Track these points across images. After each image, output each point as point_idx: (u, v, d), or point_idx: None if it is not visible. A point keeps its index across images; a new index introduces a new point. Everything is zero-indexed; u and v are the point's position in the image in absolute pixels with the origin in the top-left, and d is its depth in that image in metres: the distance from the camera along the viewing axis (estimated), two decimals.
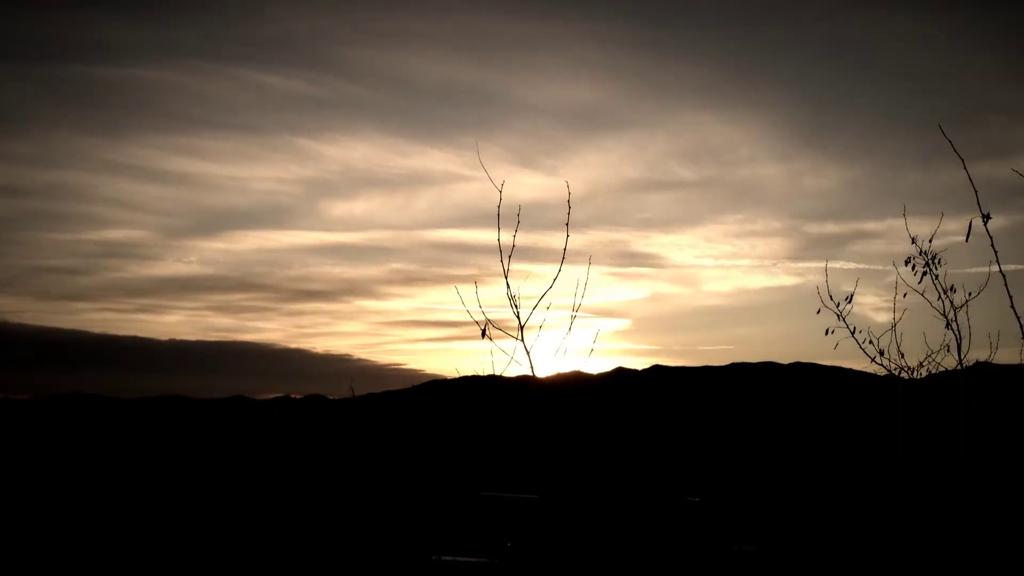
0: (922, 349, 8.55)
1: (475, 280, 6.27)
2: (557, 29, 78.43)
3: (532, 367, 6.37)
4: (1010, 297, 5.34)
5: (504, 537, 11.99)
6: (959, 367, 7.24)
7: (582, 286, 6.38)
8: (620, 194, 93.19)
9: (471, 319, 6.27)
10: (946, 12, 75.05)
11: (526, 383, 6.62)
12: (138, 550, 11.35)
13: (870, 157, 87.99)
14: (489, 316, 6.29)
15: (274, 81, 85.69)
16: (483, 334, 6.29)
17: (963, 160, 5.56)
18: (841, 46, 79.79)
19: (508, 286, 6.27)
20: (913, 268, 7.49)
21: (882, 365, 8.25)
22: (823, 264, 8.12)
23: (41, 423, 26.75)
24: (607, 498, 15.60)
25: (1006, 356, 7.69)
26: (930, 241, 7.50)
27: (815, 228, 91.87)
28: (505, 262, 6.27)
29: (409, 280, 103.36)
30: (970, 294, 7.27)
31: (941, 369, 8.73)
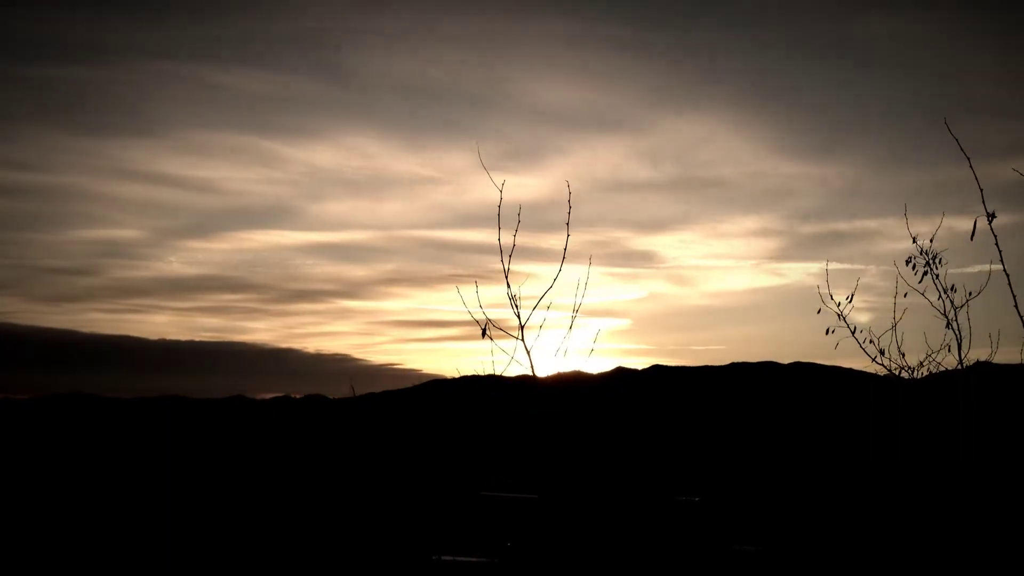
0: (922, 349, 8.55)
1: (475, 280, 6.28)
2: (556, 28, 78.41)
3: (532, 367, 6.38)
4: (1013, 296, 5.34)
5: (504, 537, 11.98)
6: (959, 367, 7.24)
7: (582, 286, 6.39)
8: (621, 194, 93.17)
9: (472, 319, 6.27)
10: (946, 12, 75.07)
11: (526, 383, 6.62)
12: (137, 550, 11.35)
13: (870, 156, 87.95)
14: (489, 316, 6.30)
15: (272, 81, 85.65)
16: (483, 334, 6.30)
17: (969, 158, 5.56)
18: (841, 46, 79.78)
19: (508, 286, 6.27)
20: (914, 268, 7.49)
21: (882, 365, 8.26)
22: (823, 264, 8.13)
23: (40, 423, 26.74)
24: (607, 498, 15.60)
25: (1006, 356, 7.70)
26: (931, 240, 7.50)
27: (815, 228, 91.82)
28: (505, 262, 6.28)
29: (408, 280, 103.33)
30: (970, 294, 7.28)
31: (941, 369, 8.73)
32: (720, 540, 11.88)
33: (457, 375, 9.53)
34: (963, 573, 9.59)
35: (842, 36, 74.64)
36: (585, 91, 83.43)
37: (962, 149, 5.62)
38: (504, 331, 6.30)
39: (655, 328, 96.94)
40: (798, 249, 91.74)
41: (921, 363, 8.67)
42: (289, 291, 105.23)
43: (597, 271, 6.57)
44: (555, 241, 6.41)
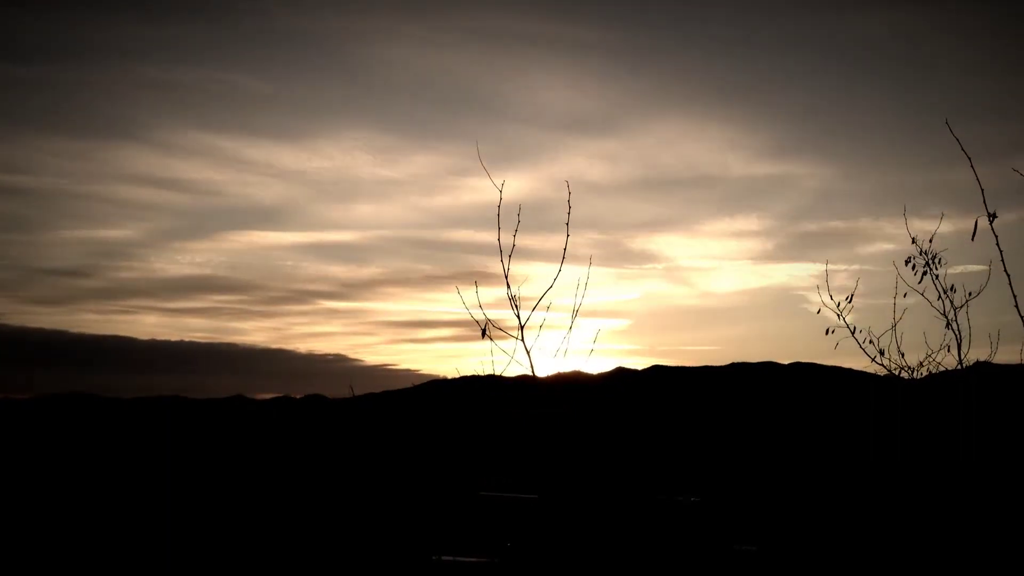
0: (922, 349, 8.54)
1: (475, 280, 6.27)
2: (556, 30, 78.44)
3: (532, 367, 6.37)
4: (1014, 296, 5.34)
5: (504, 537, 11.97)
6: (959, 367, 7.24)
7: (582, 286, 6.38)
8: (621, 194, 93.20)
9: (471, 319, 6.27)
10: (946, 10, 75.08)
11: (526, 383, 6.62)
12: (138, 550, 11.34)
13: (870, 156, 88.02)
14: (489, 316, 6.30)
15: (269, 81, 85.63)
16: (483, 334, 6.29)
17: (970, 158, 5.56)
18: (841, 46, 79.79)
19: (508, 286, 6.27)
20: (913, 268, 7.49)
21: (882, 365, 8.25)
22: (823, 264, 8.13)
23: (40, 423, 26.72)
24: (607, 498, 15.59)
25: (1006, 356, 7.70)
26: (930, 240, 7.50)
27: (816, 228, 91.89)
28: (505, 262, 6.27)
29: (408, 280, 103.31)
30: (970, 294, 7.27)
31: (941, 369, 8.72)
32: (720, 540, 11.88)
33: (457, 375, 9.51)
34: (963, 573, 9.59)
35: (841, 36, 74.63)
36: (584, 92, 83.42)
37: (963, 149, 5.62)
38: (504, 331, 6.30)
39: (655, 328, 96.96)
40: (798, 249, 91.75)
41: (921, 363, 8.66)
42: (282, 291, 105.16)
43: (597, 271, 6.57)
44: (555, 241, 6.41)
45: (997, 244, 5.59)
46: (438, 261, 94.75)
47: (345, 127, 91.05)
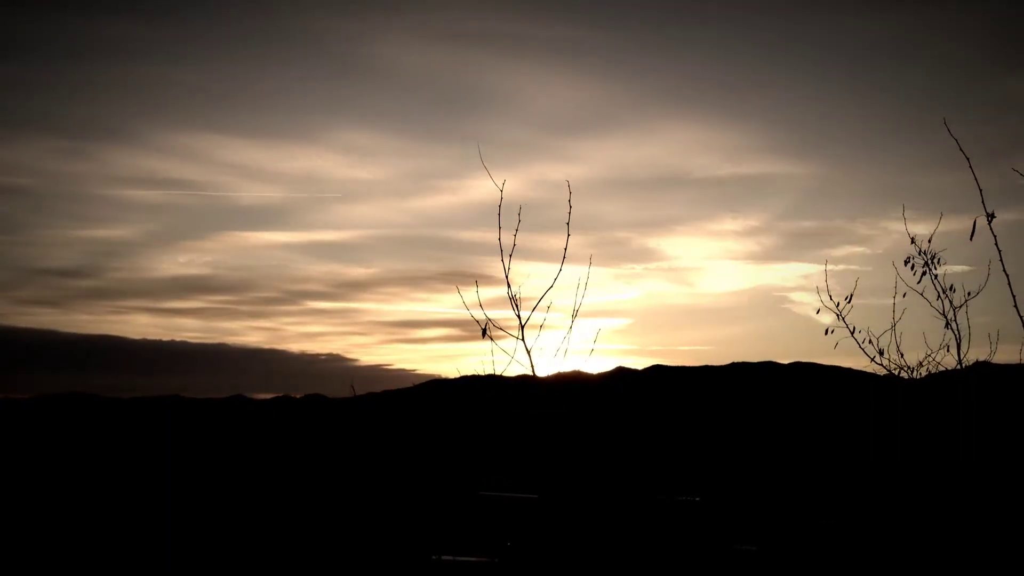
0: (922, 349, 8.54)
1: (475, 280, 6.28)
2: (556, 30, 78.45)
3: (532, 367, 6.38)
4: (1013, 296, 5.34)
5: (504, 537, 11.98)
6: (959, 367, 7.24)
7: (582, 286, 6.38)
8: (621, 194, 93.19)
9: (470, 318, 6.27)
10: (946, 11, 75.06)
11: (526, 383, 6.62)
12: (138, 549, 11.35)
13: (870, 157, 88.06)
14: (489, 316, 6.30)
15: (267, 81, 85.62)
16: (484, 334, 6.29)
17: (968, 159, 5.56)
18: (840, 46, 79.79)
19: (508, 286, 6.27)
20: (912, 268, 7.48)
21: (882, 365, 8.25)
22: (823, 263, 8.12)
23: (40, 423, 26.73)
24: (607, 498, 15.59)
25: (1006, 356, 7.69)
26: (929, 240, 7.50)
27: (816, 227, 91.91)
28: (505, 262, 6.28)
29: (408, 280, 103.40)
30: (969, 294, 7.27)
31: (941, 369, 8.72)
32: (720, 540, 11.88)
33: (457, 375, 9.51)
34: (963, 573, 9.59)
35: (841, 36, 74.56)
36: (584, 92, 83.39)
37: (962, 149, 5.62)
38: (504, 331, 6.30)
39: (655, 328, 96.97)
40: (798, 249, 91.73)
41: (921, 363, 8.66)
42: (273, 292, 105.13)
43: (597, 271, 6.57)
44: (555, 241, 6.41)
45: (996, 244, 5.59)
46: (433, 261, 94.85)
47: (341, 127, 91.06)
